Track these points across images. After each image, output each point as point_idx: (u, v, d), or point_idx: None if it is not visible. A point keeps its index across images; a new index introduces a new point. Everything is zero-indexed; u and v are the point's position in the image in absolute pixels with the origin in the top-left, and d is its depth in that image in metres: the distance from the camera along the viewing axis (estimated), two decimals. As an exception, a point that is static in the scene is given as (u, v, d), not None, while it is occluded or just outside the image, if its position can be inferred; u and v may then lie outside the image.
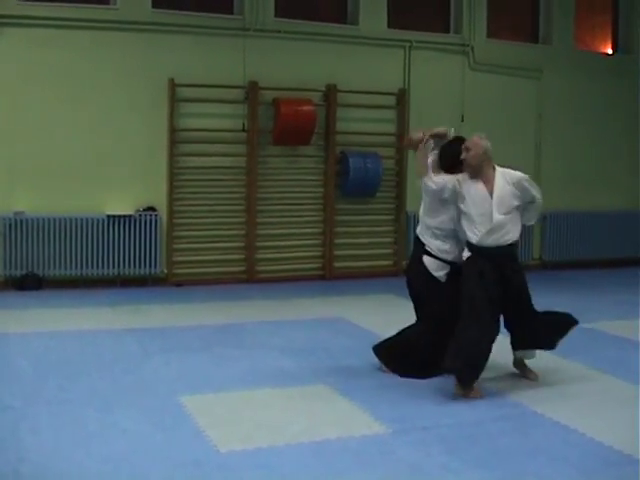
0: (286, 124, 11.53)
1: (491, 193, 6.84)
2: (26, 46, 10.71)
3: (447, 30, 13.19)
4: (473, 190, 6.88)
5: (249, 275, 11.79)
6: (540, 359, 7.57)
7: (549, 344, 7.28)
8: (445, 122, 12.56)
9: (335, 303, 10.57)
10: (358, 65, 12.24)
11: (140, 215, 11.24)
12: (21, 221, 10.81)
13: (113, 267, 11.22)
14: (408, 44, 12.57)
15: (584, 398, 6.81)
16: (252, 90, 11.56)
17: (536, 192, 7.01)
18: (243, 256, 11.87)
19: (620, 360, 7.96)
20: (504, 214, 6.82)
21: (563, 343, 7.34)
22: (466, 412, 6.36)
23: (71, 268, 11.04)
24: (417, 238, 7.31)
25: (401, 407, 6.42)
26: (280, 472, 5.08)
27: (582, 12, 14.07)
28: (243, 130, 11.57)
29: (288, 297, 10.86)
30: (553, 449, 5.60)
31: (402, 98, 12.54)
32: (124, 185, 11.26)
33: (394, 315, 9.97)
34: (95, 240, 11.10)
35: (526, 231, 13.24)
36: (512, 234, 6.88)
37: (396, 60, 12.56)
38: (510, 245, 6.93)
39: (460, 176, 6.98)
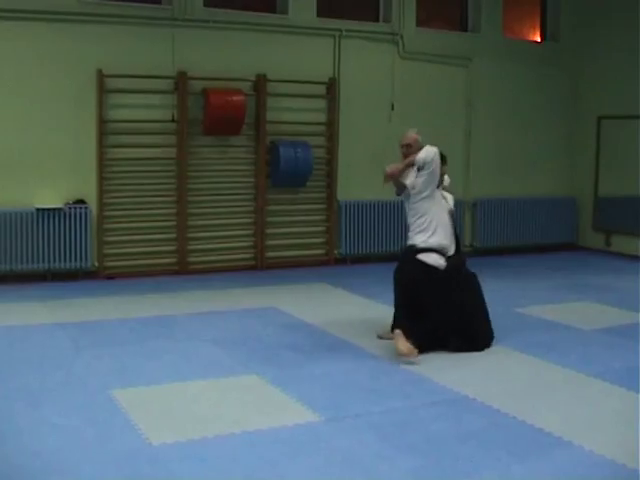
0: (216, 114, 11.44)
1: None
2: (-51, 37, 10.53)
3: (377, 19, 13.21)
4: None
5: (181, 267, 11.71)
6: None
7: None
8: (375, 110, 12.81)
9: (267, 293, 10.54)
10: (288, 54, 12.21)
11: (70, 208, 11.08)
12: (-52, 215, 10.63)
13: (43, 262, 11.03)
14: (338, 33, 12.56)
15: (515, 382, 6.91)
16: (181, 80, 11.46)
17: None
18: (175, 247, 11.78)
19: (550, 344, 8.08)
20: None
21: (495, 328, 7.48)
22: (398, 399, 6.40)
23: (0, 263, 10.87)
24: None
25: (333, 396, 6.44)
26: (212, 463, 5.07)
27: (510, 1, 14.21)
28: (173, 121, 11.47)
29: (220, 288, 10.80)
30: (484, 433, 5.67)
31: (332, 87, 12.54)
32: (53, 178, 11.07)
33: (326, 303, 10.06)
34: (24, 234, 10.88)
35: (457, 218, 13.46)
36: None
37: (326, 49, 12.55)
38: None
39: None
